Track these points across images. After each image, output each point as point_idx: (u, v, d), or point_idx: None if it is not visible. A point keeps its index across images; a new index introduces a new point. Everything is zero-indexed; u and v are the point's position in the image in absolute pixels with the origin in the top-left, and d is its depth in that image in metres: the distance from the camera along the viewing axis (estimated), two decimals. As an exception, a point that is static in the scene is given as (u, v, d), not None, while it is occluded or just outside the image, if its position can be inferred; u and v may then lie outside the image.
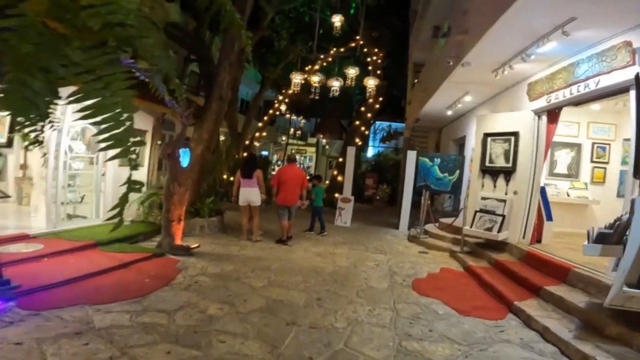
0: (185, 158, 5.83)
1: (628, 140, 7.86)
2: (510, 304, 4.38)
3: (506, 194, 6.50)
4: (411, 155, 10.06)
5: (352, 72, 7.10)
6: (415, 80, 12.33)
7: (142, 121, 7.67)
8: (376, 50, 8.92)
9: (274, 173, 12.05)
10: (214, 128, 7.84)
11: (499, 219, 6.34)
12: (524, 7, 4.28)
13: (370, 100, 14.24)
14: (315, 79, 7.62)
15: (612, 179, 7.86)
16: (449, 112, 10.19)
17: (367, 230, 9.85)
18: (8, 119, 7.46)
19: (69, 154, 6.39)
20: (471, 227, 6.67)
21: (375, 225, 10.82)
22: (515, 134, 6.44)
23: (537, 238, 6.29)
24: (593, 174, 8.16)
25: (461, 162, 8.90)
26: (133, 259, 5.17)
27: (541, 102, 6.08)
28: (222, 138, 13.51)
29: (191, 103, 6.12)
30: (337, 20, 8.03)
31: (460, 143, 11.74)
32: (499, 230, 6.25)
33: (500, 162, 6.65)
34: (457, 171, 8.69)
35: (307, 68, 9.07)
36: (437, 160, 8.94)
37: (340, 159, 14.54)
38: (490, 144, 6.86)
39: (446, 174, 8.83)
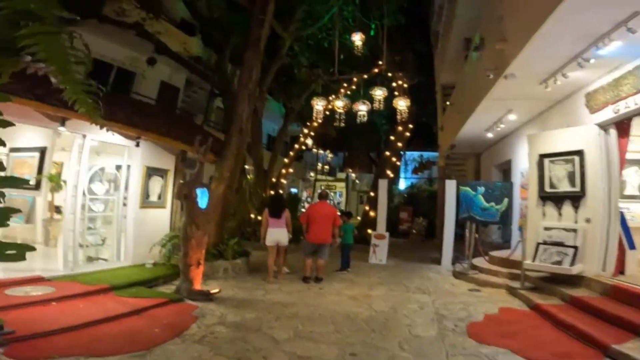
0: (203, 199, 5.41)
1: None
2: (606, 348, 3.55)
3: (576, 222, 5.60)
4: (450, 185, 9.30)
5: (379, 93, 6.52)
6: (447, 102, 11.67)
7: (163, 159, 7.43)
8: (400, 74, 8.45)
9: (303, 210, 11.49)
10: (235, 165, 7.47)
11: (570, 250, 5.45)
12: (574, 4, 3.65)
13: (400, 128, 13.66)
14: (340, 104, 7.05)
15: None
16: (489, 135, 9.37)
17: (405, 267, 8.92)
18: (36, 160, 7.49)
19: (87, 195, 6.20)
20: (533, 260, 5.78)
21: (414, 261, 9.87)
22: (579, 153, 5.62)
23: (619, 269, 5.35)
24: None
25: (509, 189, 8.04)
26: (147, 305, 4.68)
27: (606, 114, 5.25)
28: (249, 176, 13.27)
29: (207, 138, 5.77)
30: (357, 39, 7.65)
31: (505, 168, 10.77)
32: (572, 264, 5.35)
33: (564, 187, 5.82)
34: (505, 199, 7.83)
35: (330, 97, 8.68)
36: (481, 189, 8.17)
37: (372, 193, 13.81)
38: (549, 166, 6.06)
39: (492, 203, 8.00)
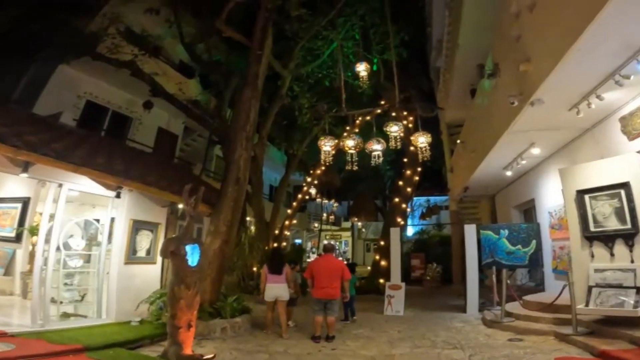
0: (194, 256, 4.77)
1: None
2: None
3: (632, 261, 4.91)
4: (470, 230, 8.68)
5: (395, 129, 5.87)
6: (458, 141, 11.20)
7: (152, 212, 6.89)
8: (405, 113, 7.99)
9: (309, 261, 10.62)
10: (233, 217, 6.84)
11: (632, 291, 4.78)
12: (621, 4, 3.22)
13: (409, 172, 13.14)
14: (351, 144, 6.34)
15: None
16: (508, 173, 8.77)
17: (426, 318, 7.89)
18: (18, 211, 7.05)
19: (63, 250, 5.68)
20: (587, 305, 5.07)
21: (434, 310, 8.85)
22: (625, 186, 5.08)
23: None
24: None
25: (536, 230, 7.50)
26: None
27: (650, 138, 4.69)
28: (251, 228, 12.53)
29: (198, 187, 5.17)
30: (362, 69, 7.23)
31: (526, 208, 10.06)
32: (636, 306, 4.65)
33: (612, 224, 5.22)
34: (533, 241, 7.33)
35: (342, 135, 7.99)
36: (504, 232, 7.66)
37: (382, 242, 12.99)
38: (590, 202, 5.47)
39: (519, 246, 7.49)
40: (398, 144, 6.13)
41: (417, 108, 7.70)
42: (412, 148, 11.97)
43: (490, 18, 7.38)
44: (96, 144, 7.07)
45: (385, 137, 6.66)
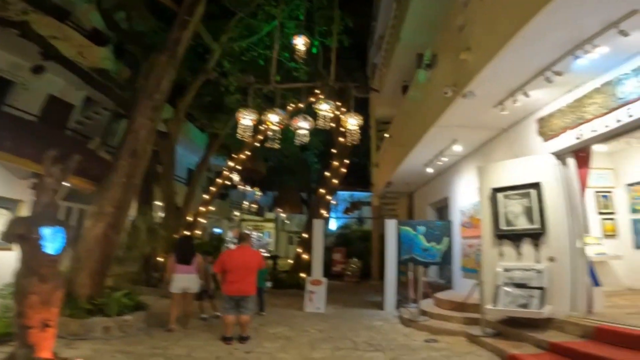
0: (56, 241, 3.75)
1: (632, 185, 6.96)
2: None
3: (538, 261, 5.06)
4: (391, 225, 8.68)
5: (325, 107, 5.30)
6: (386, 135, 11.25)
7: (10, 187, 5.64)
8: (353, 85, 7.64)
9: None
10: (123, 197, 5.84)
11: (537, 292, 4.92)
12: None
13: (336, 163, 12.96)
14: (274, 119, 5.55)
15: (624, 230, 7.00)
16: (429, 170, 8.95)
17: (347, 315, 7.69)
18: None
19: None
20: (495, 304, 5.14)
21: (355, 306, 8.76)
22: (536, 186, 5.23)
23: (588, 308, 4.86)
24: (603, 226, 7.18)
25: (449, 228, 7.69)
26: None
27: (565, 141, 4.90)
28: (159, 213, 11.25)
29: (70, 155, 4.08)
30: (300, 42, 6.59)
31: (440, 207, 10.44)
32: (541, 306, 4.76)
33: (521, 224, 5.36)
34: (446, 239, 7.50)
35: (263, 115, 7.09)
36: (422, 229, 7.73)
37: (305, 235, 12.64)
38: (503, 201, 5.57)
39: (434, 243, 7.61)
40: (327, 124, 5.61)
41: (351, 87, 7.36)
42: (341, 139, 11.67)
43: (436, 12, 7.41)
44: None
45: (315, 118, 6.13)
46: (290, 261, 15.13)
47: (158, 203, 11.46)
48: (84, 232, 5.65)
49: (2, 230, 3.80)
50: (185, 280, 5.98)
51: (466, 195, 7.91)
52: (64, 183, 3.80)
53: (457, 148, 7.21)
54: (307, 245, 11.55)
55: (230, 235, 23.70)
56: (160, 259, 9.83)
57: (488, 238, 5.69)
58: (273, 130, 5.88)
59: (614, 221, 7.15)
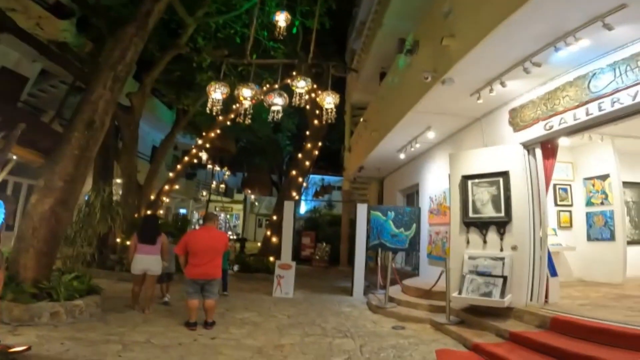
0: None
1: (589, 179, 7.23)
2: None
3: (502, 250, 5.16)
4: (362, 209, 8.64)
5: (302, 84, 5.05)
6: (362, 119, 11.15)
7: None
8: (331, 64, 7.35)
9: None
10: (76, 171, 5.38)
11: (499, 280, 5.01)
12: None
13: (309, 145, 12.75)
14: (247, 93, 5.19)
15: (579, 223, 7.35)
16: (401, 156, 8.96)
17: (316, 301, 7.66)
18: None
19: None
20: (460, 292, 5.22)
21: (323, 292, 8.73)
22: (504, 175, 5.28)
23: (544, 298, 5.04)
24: (559, 218, 7.52)
25: (417, 214, 7.66)
26: None
27: (534, 131, 4.96)
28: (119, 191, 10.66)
29: (15, 124, 3.67)
30: (282, 18, 6.21)
31: (409, 193, 10.55)
32: (503, 295, 4.86)
33: (488, 212, 5.41)
34: (414, 225, 7.47)
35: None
36: (391, 214, 7.68)
37: (274, 217, 12.45)
38: (472, 189, 5.60)
39: (402, 229, 7.59)
40: (302, 101, 5.37)
41: (330, 65, 7.09)
42: (315, 121, 11.40)
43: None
44: None
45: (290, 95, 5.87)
46: (259, 244, 14.93)
47: (118, 181, 10.86)
48: (29, 208, 5.17)
49: None
50: (146, 261, 5.75)
51: (436, 182, 7.97)
52: (8, 154, 3.38)
53: (431, 135, 7.20)
54: (276, 228, 11.39)
55: (196, 216, 23.11)
56: (117, 240, 9.37)
57: (456, 225, 5.74)
58: (245, 107, 5.56)
59: (569, 213, 7.50)
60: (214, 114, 5.72)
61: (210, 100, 5.56)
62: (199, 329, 4.97)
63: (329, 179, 23.35)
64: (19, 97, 10.01)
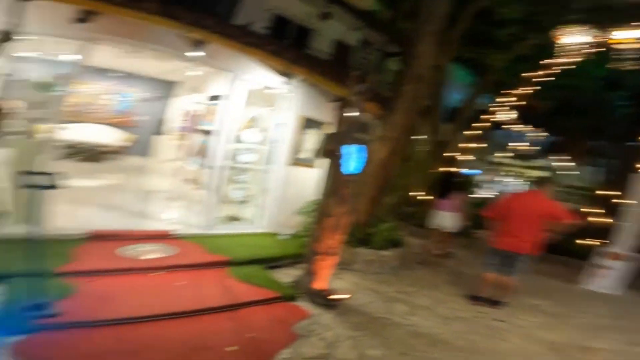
0: (357, 160, 3.84)
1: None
2: None
3: None
4: None
5: None
6: None
7: (321, 109, 6.12)
8: None
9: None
10: (407, 122, 5.67)
11: None
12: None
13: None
14: (629, 35, 3.80)
15: None
16: None
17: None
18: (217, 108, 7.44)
19: (237, 144, 5.66)
20: None
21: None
22: None
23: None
24: None
25: None
26: (249, 300, 3.61)
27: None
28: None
29: (365, 76, 4.07)
30: None
31: None
32: None
33: None
34: None
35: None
36: None
37: (599, 191, 9.78)
38: None
39: None
40: None
41: None
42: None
43: None
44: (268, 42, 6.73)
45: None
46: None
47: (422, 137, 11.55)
48: (370, 155, 5.35)
49: (320, 146, 4.24)
50: (442, 217, 6.08)
51: None
52: (364, 101, 3.90)
53: None
54: (601, 204, 8.95)
55: (485, 179, 21.79)
56: (415, 194, 9.97)
57: None
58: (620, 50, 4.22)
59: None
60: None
61: (558, 47, 4.45)
62: (483, 305, 4.57)
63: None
64: (349, 65, 12.14)
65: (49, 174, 2.82)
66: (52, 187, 2.76)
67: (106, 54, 6.93)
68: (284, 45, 6.02)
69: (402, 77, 5.86)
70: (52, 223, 3.97)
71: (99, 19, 3.90)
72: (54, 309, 2.69)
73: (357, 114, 3.92)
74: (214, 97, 7.20)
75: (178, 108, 10.51)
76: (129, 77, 10.46)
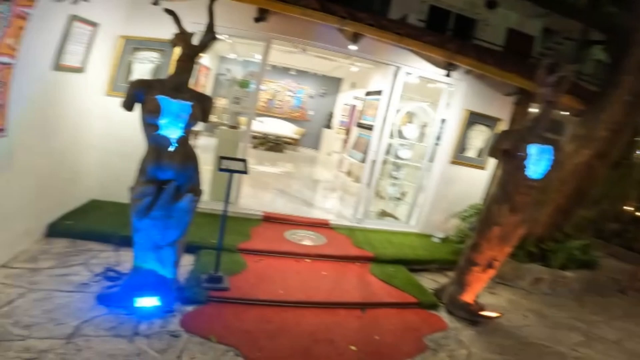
0: (541, 163, 3.27)
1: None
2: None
3: None
4: None
5: None
6: None
7: (492, 104, 5.47)
8: None
9: None
10: (621, 119, 4.51)
11: None
12: None
13: None
14: None
15: None
16: None
17: None
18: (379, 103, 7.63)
19: (396, 139, 5.72)
20: None
21: None
22: None
23: None
24: None
25: None
26: (384, 301, 3.55)
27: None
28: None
29: (557, 66, 3.32)
30: None
31: None
32: None
33: None
34: None
35: None
36: None
37: None
38: None
39: None
40: None
41: None
42: None
43: None
44: (426, 33, 6.31)
45: None
46: None
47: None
48: (562, 158, 4.97)
49: (490, 145, 3.82)
50: None
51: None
52: (559, 95, 3.30)
53: None
54: None
55: None
56: (626, 208, 7.79)
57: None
58: None
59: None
60: None
61: None
62: None
63: None
64: (530, 55, 10.39)
65: (243, 160, 3.34)
66: (244, 172, 3.24)
67: (282, 54, 7.95)
68: (444, 36, 5.56)
69: (615, 67, 4.62)
70: (239, 203, 4.92)
71: (272, 18, 4.43)
72: (226, 284, 3.19)
73: (546, 109, 3.28)
74: (375, 92, 7.37)
75: (343, 103, 11.29)
76: (302, 74, 11.83)
